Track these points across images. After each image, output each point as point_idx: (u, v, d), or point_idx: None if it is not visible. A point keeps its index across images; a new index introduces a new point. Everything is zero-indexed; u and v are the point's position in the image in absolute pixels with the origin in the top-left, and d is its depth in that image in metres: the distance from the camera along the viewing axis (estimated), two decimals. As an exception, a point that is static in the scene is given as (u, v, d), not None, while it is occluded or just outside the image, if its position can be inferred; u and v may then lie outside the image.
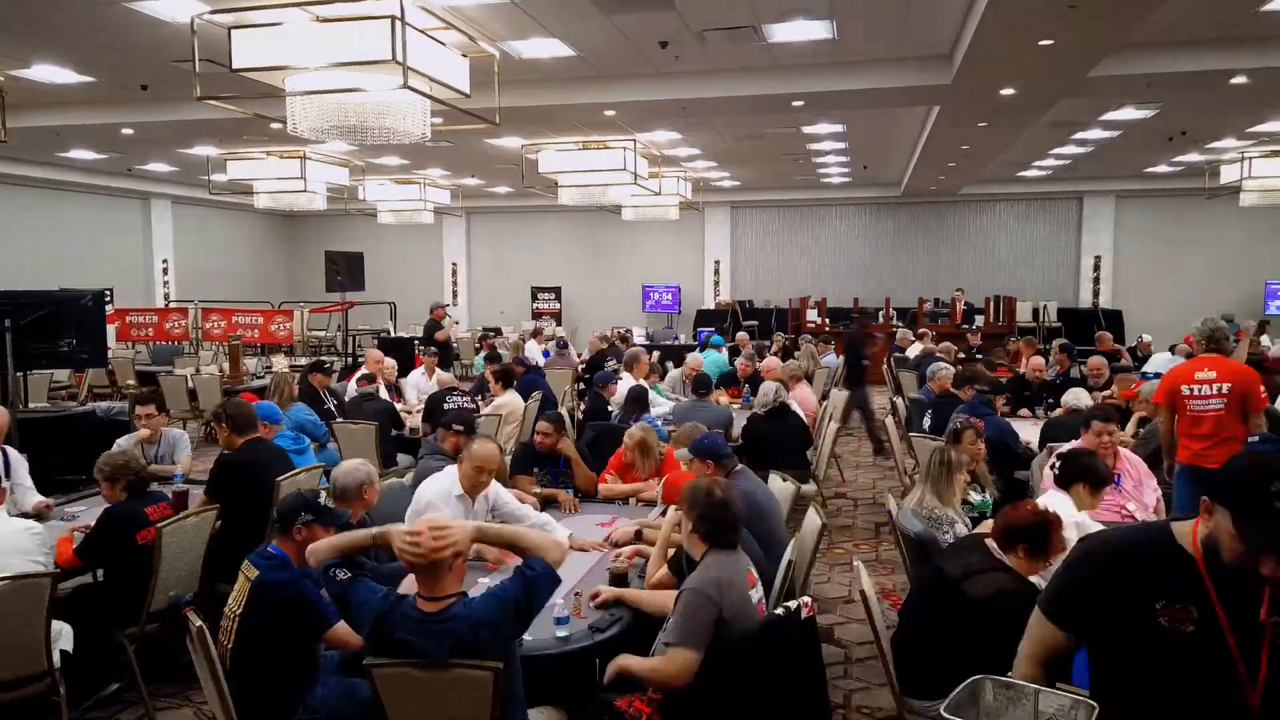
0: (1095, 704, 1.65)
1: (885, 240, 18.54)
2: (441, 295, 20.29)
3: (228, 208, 18.63)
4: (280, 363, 12.20)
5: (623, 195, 10.80)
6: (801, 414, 7.17)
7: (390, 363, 8.71)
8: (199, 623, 2.82)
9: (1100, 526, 4.42)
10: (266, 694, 2.98)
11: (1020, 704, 1.68)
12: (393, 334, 16.35)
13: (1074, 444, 4.96)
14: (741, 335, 12.85)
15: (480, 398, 8.39)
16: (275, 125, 5.76)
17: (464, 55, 5.22)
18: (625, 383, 8.08)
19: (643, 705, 2.98)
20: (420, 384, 8.92)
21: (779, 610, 2.95)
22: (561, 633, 3.18)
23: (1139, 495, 4.81)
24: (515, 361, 9.65)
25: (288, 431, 5.68)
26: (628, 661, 3.05)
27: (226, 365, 11.56)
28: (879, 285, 17.87)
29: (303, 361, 12.41)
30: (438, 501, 4.08)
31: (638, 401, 7.15)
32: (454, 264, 20.73)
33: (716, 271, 19.25)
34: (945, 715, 1.60)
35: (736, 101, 9.15)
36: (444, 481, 4.22)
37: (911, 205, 18.07)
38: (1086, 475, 4.08)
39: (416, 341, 15.11)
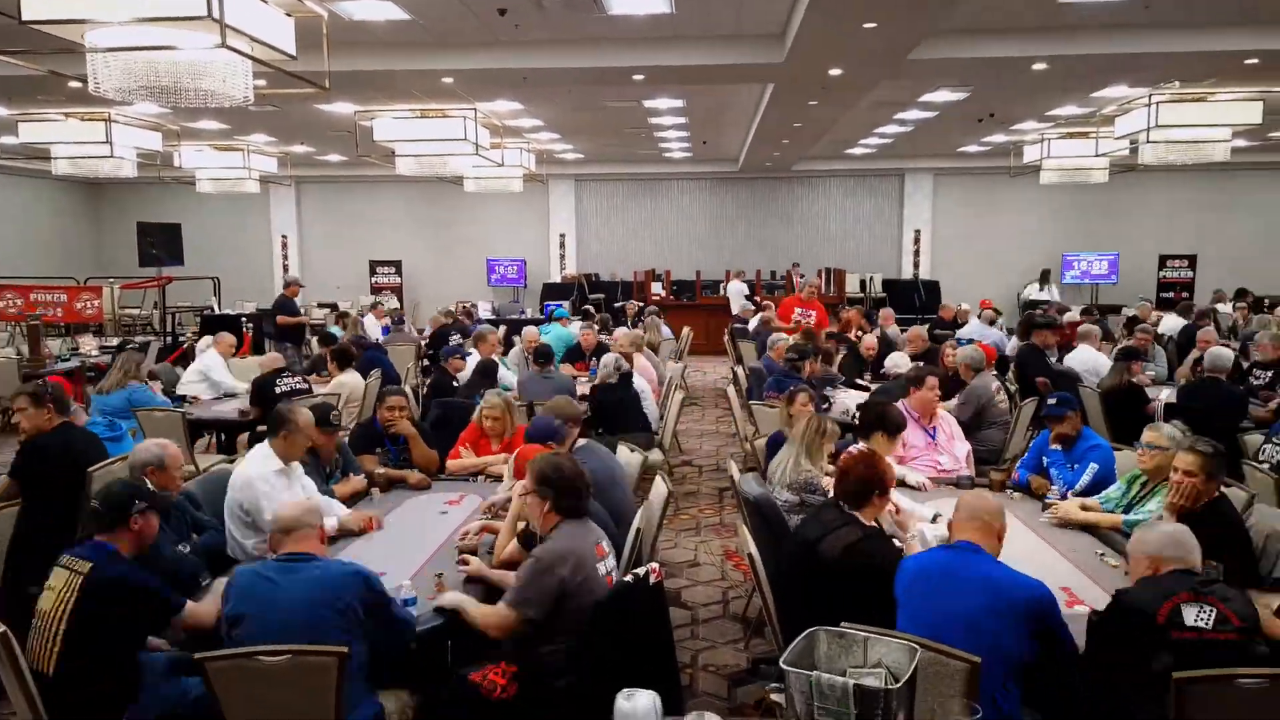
0: (918, 648, 1.78)
1: (725, 214, 19.02)
2: (271, 269, 19.22)
3: (21, 174, 16.88)
4: (89, 343, 11.25)
5: (464, 166, 10.53)
6: (647, 385, 7.31)
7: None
8: (2, 628, 2.59)
9: (918, 475, 4.81)
10: (93, 699, 2.78)
11: (852, 651, 1.79)
12: (217, 311, 15.37)
13: (900, 403, 5.32)
14: (587, 309, 12.92)
15: (315, 376, 8.07)
16: (75, 84, 5.25)
17: (289, 14, 4.93)
18: (473, 360, 7.96)
19: (497, 677, 2.98)
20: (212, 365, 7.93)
21: (628, 577, 3.01)
22: (414, 613, 3.12)
23: (950, 449, 5.21)
24: (354, 340, 9.29)
25: (99, 419, 5.24)
26: (460, 599, 3.14)
27: (25, 347, 10.52)
28: (719, 258, 18.32)
29: (114, 342, 11.49)
30: (259, 480, 3.93)
31: (486, 375, 7.07)
32: (284, 236, 19.65)
33: (562, 245, 19.18)
34: (785, 666, 1.69)
35: (577, 73, 9.10)
36: (260, 459, 4.07)
37: (749, 180, 18.59)
38: (882, 423, 4.46)
39: (244, 319, 14.27)
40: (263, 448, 4.12)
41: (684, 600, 5.21)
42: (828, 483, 4.30)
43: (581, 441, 4.57)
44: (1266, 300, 13.36)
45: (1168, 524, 2.96)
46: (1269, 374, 7.13)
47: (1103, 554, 3.73)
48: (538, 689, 2.97)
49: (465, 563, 3.50)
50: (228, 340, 8.33)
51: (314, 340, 10.90)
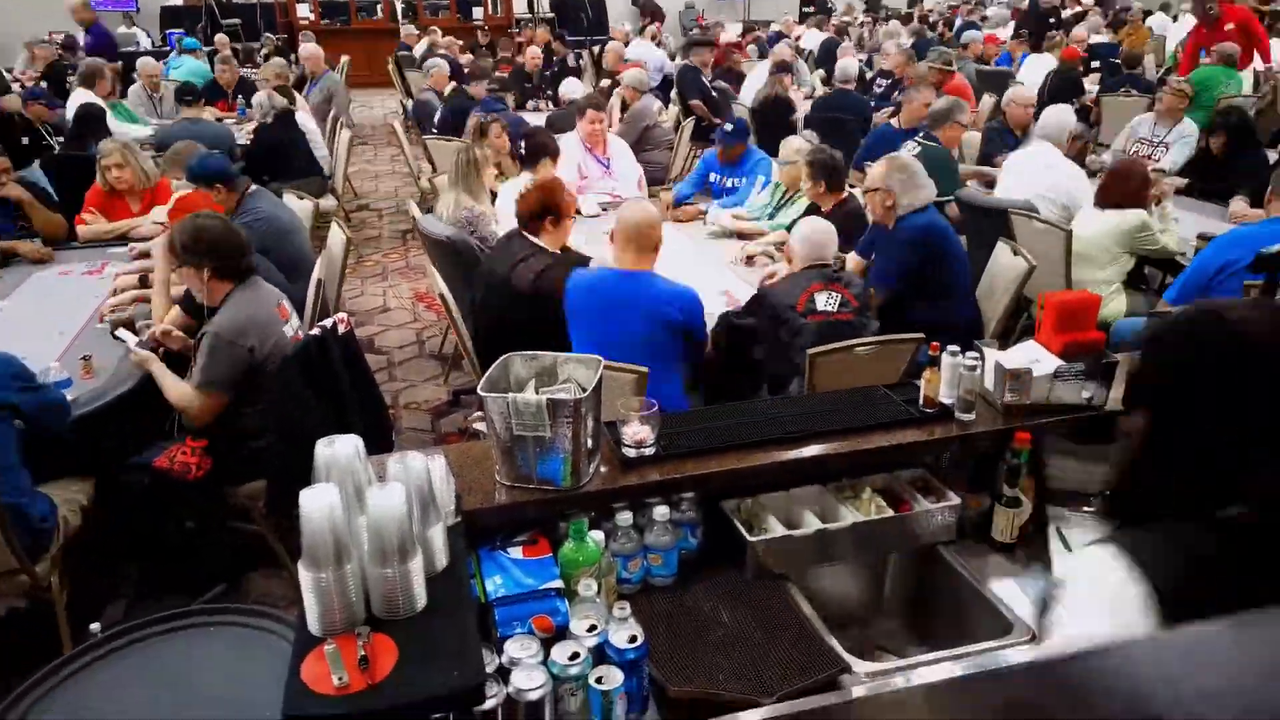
0: (601, 360, 1.92)
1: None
2: None
3: None
4: None
5: None
6: (311, 124, 6.68)
7: None
8: None
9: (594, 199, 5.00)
10: None
11: (544, 370, 1.91)
12: None
13: (573, 133, 5.36)
14: (221, 38, 11.22)
15: None
16: None
17: None
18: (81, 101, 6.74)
19: (187, 456, 2.85)
20: None
21: (315, 330, 2.92)
22: (68, 397, 2.83)
23: (623, 174, 5.40)
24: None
25: None
26: (160, 370, 2.92)
27: None
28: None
29: None
30: None
31: (87, 123, 5.99)
32: None
33: (176, -44, 16.04)
34: (482, 393, 1.77)
35: None
36: None
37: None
38: (546, 150, 4.61)
39: None
40: None
41: (378, 346, 5.19)
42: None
43: (252, 188, 4.16)
44: (885, 11, 14.66)
45: (808, 224, 3.36)
46: (889, 82, 8.01)
47: (753, 257, 4.20)
48: (234, 457, 2.90)
49: (122, 339, 3.15)
50: None
51: None
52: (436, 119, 7.14)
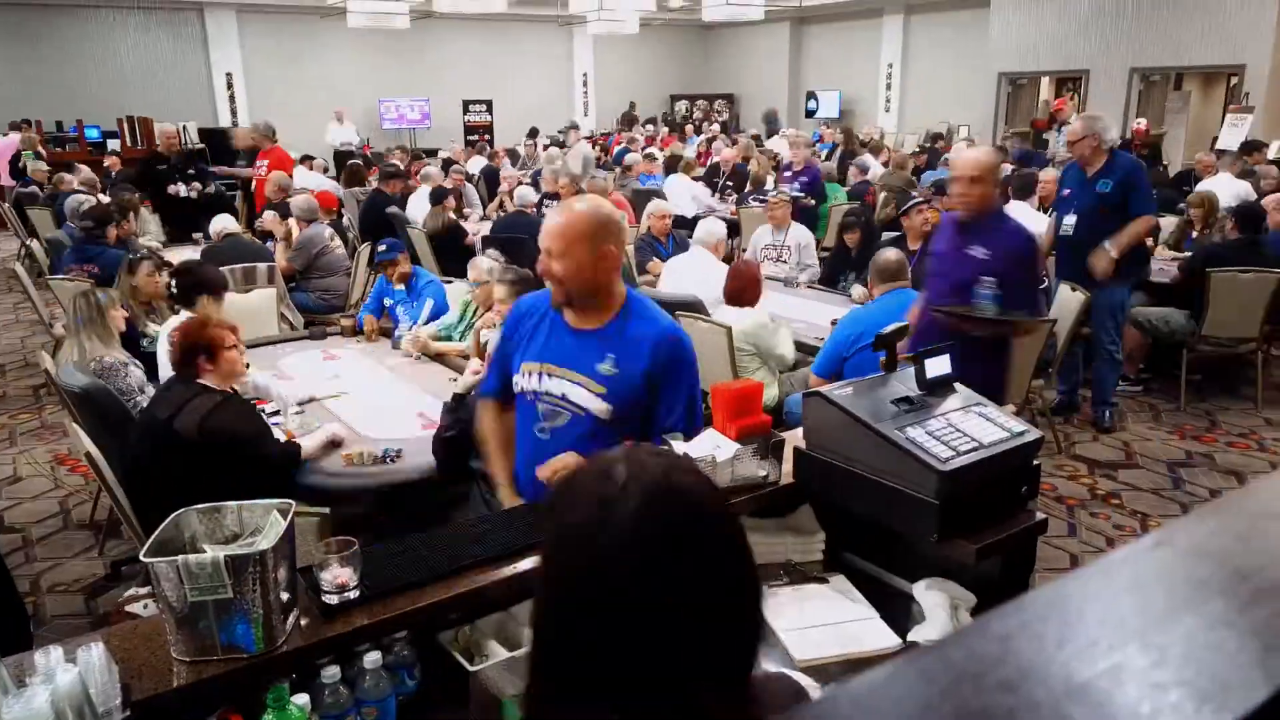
0: (291, 504, 1.78)
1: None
2: None
3: None
4: None
5: None
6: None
7: None
8: None
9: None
10: None
11: (226, 523, 1.73)
12: None
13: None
14: None
15: None
16: None
17: None
18: None
19: None
20: None
21: (-82, 517, 2.42)
22: None
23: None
24: None
25: None
26: None
27: None
28: (-21, 105, 14.60)
29: None
30: None
31: None
32: None
33: None
34: (145, 559, 1.55)
35: None
36: None
37: (21, 8, 14.89)
38: (203, 286, 4.19)
39: None
40: None
41: (9, 523, 4.41)
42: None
43: None
44: (548, 139, 15.63)
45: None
46: (557, 201, 8.51)
47: (454, 379, 4.17)
48: None
49: None
50: None
51: None
52: (64, 259, 6.39)
